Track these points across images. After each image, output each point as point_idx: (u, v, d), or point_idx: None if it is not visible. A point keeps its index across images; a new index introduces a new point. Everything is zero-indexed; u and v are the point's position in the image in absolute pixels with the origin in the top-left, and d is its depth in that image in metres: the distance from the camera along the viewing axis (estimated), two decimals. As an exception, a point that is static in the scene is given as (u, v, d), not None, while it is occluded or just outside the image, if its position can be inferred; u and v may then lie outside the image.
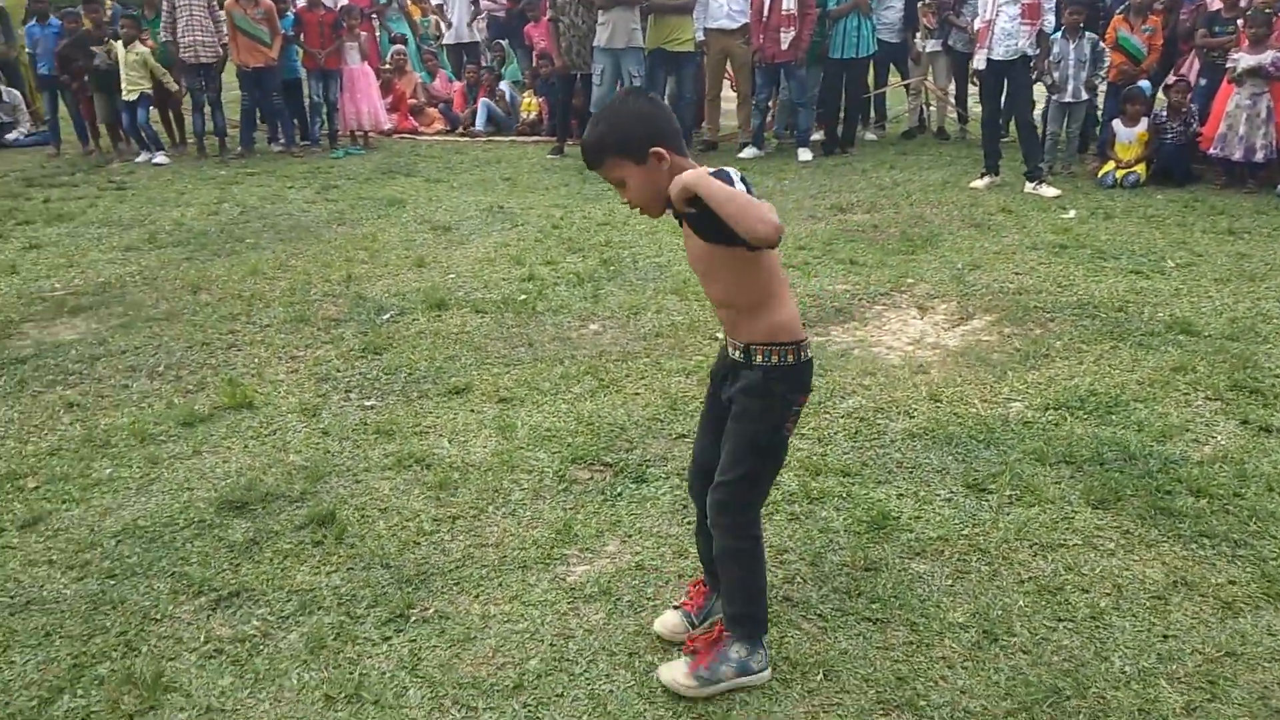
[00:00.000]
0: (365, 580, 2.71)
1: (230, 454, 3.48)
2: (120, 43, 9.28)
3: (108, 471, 3.36)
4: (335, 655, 2.42)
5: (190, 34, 9.23)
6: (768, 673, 2.29)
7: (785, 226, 2.08)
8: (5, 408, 3.90)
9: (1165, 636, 2.43)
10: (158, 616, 2.59)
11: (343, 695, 2.28)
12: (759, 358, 2.15)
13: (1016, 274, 5.35)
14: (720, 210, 1.92)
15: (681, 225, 2.17)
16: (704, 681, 2.23)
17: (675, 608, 2.50)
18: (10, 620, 2.57)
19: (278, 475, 3.29)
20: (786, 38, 8.58)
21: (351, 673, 2.35)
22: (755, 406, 2.18)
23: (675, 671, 2.26)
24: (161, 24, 9.44)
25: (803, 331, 2.20)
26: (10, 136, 10.95)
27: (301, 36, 9.68)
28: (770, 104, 9.60)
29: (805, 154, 9.03)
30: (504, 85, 11.39)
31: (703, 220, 2.02)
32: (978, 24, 7.63)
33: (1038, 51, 7.37)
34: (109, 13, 10.63)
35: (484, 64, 11.99)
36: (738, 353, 2.19)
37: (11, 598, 2.66)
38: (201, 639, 2.50)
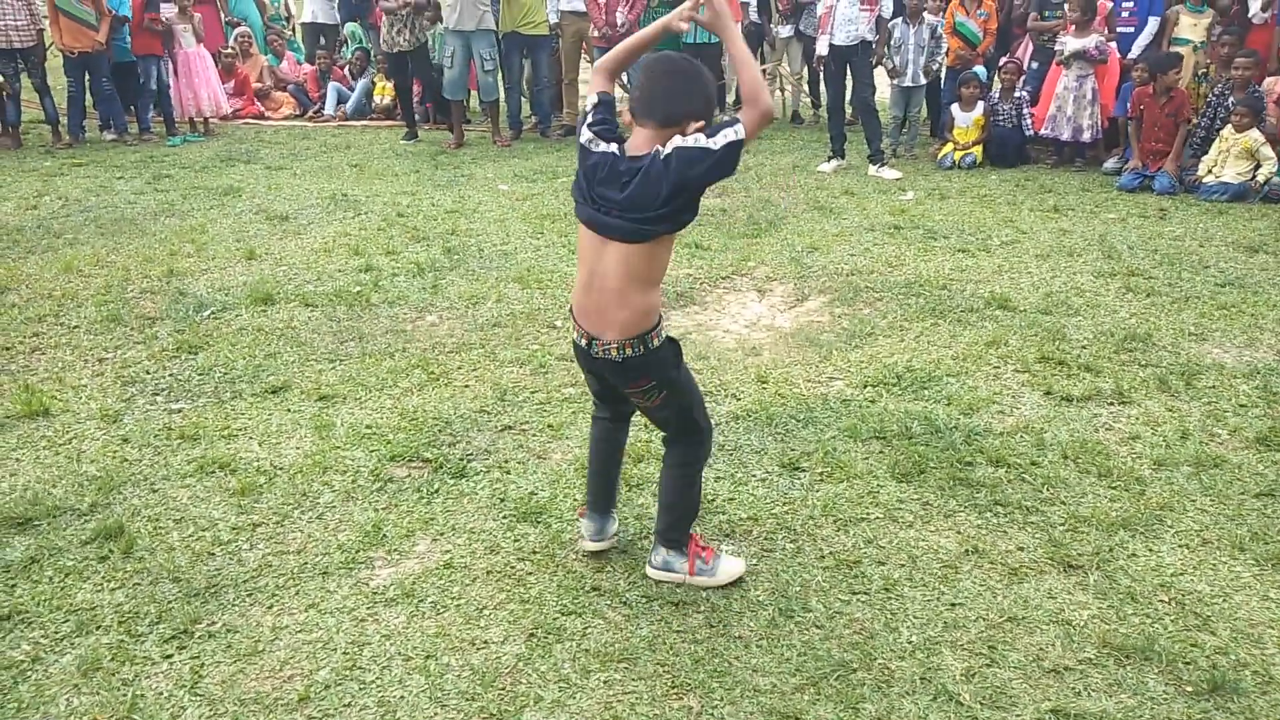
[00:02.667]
0: (151, 596, 2.56)
1: (19, 466, 3.25)
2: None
3: (-126, 492, 3.09)
4: (110, 677, 2.28)
5: (1, 17, 8.58)
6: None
7: None
8: None
9: (953, 605, 2.51)
10: (-87, 648, 2.39)
11: (114, 718, 2.15)
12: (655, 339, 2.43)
13: (851, 255, 5.48)
14: (745, 68, 2.22)
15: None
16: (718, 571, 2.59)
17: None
18: None
19: (67, 487, 3.09)
20: (621, 17, 8.53)
21: (125, 695, 2.22)
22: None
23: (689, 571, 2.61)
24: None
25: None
26: None
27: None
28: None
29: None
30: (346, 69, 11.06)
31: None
32: (820, 10, 7.78)
33: (877, 37, 7.56)
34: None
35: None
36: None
37: None
38: (-39, 669, 2.32)
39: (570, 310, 2.44)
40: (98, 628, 2.45)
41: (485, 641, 2.40)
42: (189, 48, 9.42)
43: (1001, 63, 8.34)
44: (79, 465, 3.23)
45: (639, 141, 2.27)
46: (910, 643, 2.37)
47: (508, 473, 3.19)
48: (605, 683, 2.26)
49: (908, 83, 8.19)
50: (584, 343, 2.39)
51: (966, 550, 2.73)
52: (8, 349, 4.27)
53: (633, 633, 2.42)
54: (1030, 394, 3.71)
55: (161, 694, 2.23)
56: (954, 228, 6.02)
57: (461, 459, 3.28)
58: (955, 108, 8.19)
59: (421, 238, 5.95)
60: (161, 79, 9.34)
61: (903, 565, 2.66)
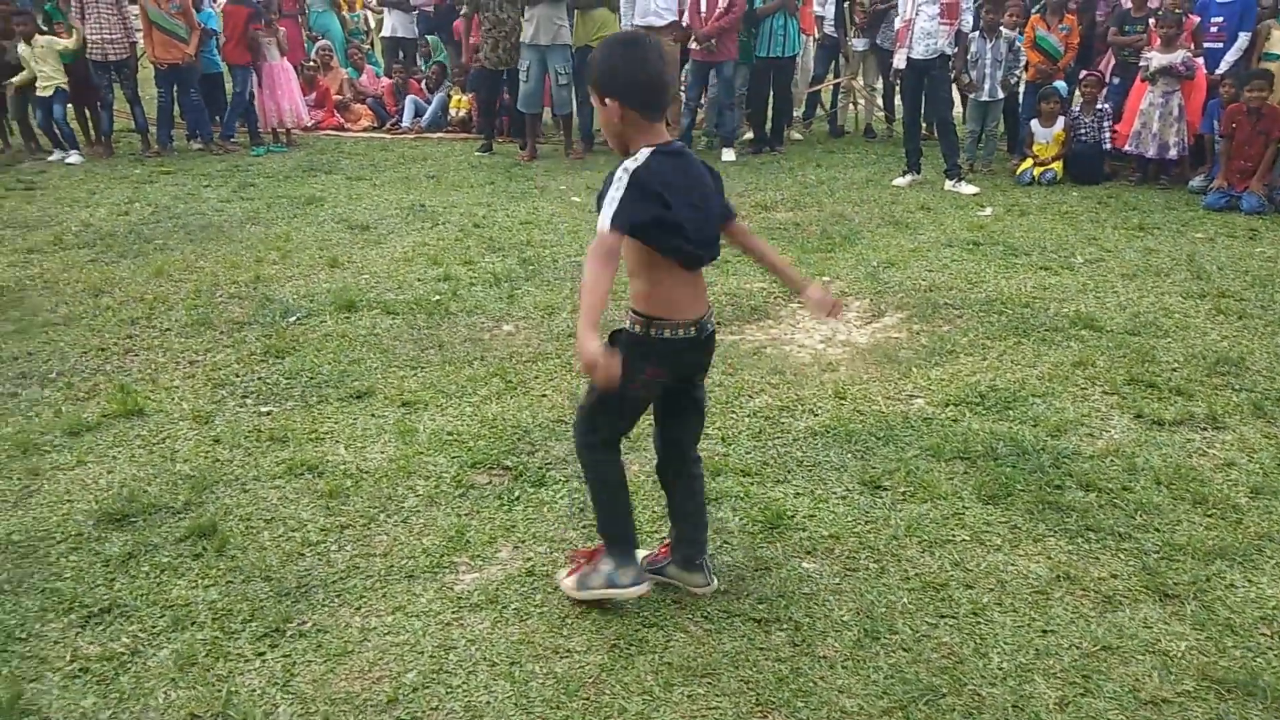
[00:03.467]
0: (244, 594, 2.63)
1: (115, 464, 3.36)
2: (23, 39, 8.97)
3: (-17, 485, 3.22)
4: (205, 672, 2.34)
5: (98, 31, 8.94)
6: (637, 589, 2.50)
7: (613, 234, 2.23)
8: (-121, 419, 3.73)
9: (1044, 631, 2.45)
10: (23, 635, 2.48)
11: (209, 714, 2.21)
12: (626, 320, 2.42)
13: (929, 271, 5.41)
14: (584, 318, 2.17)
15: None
16: (579, 585, 2.53)
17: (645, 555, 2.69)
18: None
19: (162, 485, 3.19)
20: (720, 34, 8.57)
21: (220, 690, 2.28)
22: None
23: (562, 576, 2.61)
24: (69, 21, 9.14)
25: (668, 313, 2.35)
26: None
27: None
28: (700, 103, 9.60)
29: (729, 154, 9.03)
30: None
31: None
32: (898, 24, 7.71)
33: (955, 50, 7.47)
34: (16, 4, 10.26)
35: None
36: None
37: None
38: (67, 657, 2.40)
39: (661, 318, 2.38)
40: (193, 623, 2.52)
41: (569, 650, 2.41)
42: (273, 60, 9.69)
43: (1083, 75, 8.18)
44: (173, 464, 3.33)
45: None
46: (1001, 669, 2.31)
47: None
48: (688, 696, 2.25)
49: (985, 97, 8.06)
50: (694, 331, 2.38)
51: (1058, 576, 2.67)
52: (103, 350, 4.42)
53: (715, 647, 2.41)
54: (1120, 417, 3.62)
55: (255, 691, 2.28)
56: (1035, 244, 5.90)
57: (540, 467, 3.31)
58: (1035, 123, 8.04)
59: (497, 248, 6.03)
60: (248, 90, 9.63)
61: (991, 590, 2.61)
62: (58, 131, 9.32)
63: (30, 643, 2.46)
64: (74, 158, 9.23)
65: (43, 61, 8.96)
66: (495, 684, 2.29)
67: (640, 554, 2.62)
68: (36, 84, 9.02)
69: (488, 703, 2.23)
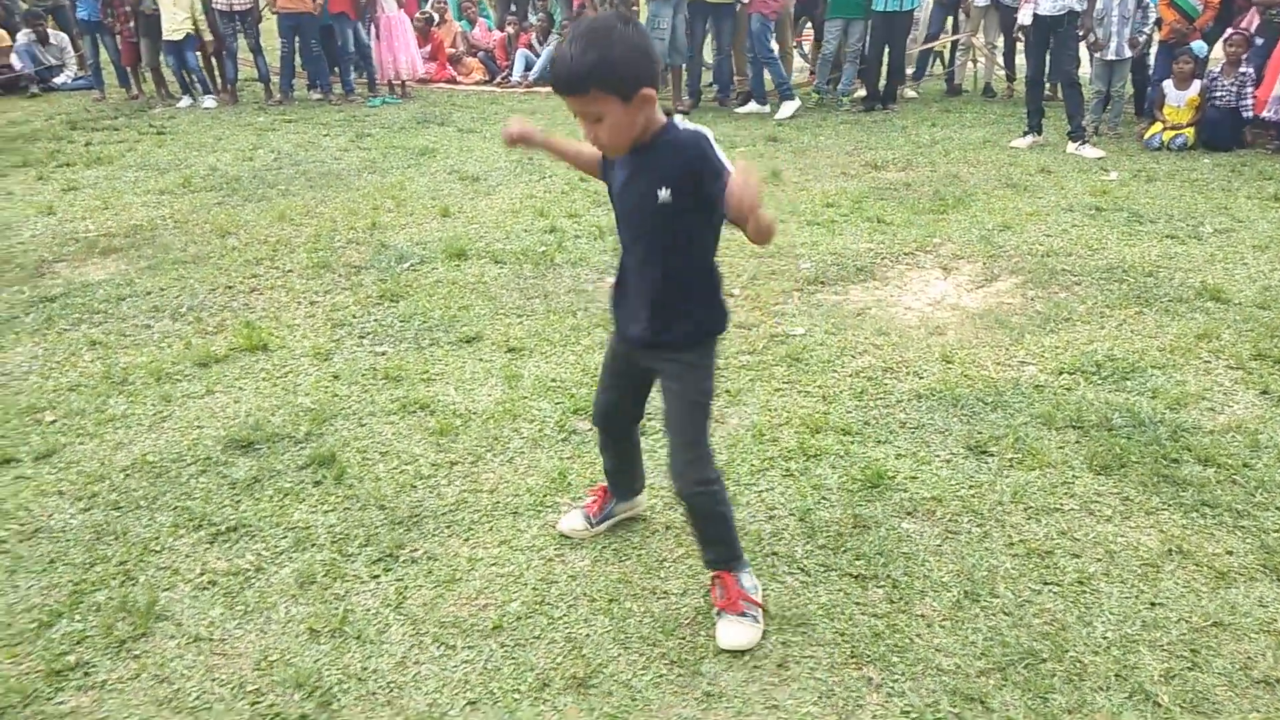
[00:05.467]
0: (360, 520, 2.76)
1: (241, 394, 3.55)
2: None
3: (122, 408, 3.45)
4: (323, 591, 2.48)
5: (224, -19, 9.26)
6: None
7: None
8: (31, 343, 4.01)
9: (1153, 604, 2.39)
10: (157, 548, 2.66)
11: (327, 629, 2.34)
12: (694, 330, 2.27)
13: (1047, 236, 5.23)
14: (763, 234, 1.95)
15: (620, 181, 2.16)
16: (753, 624, 2.28)
17: (579, 509, 2.71)
18: (18, 546, 2.66)
19: (285, 416, 3.36)
20: None
21: (337, 608, 2.41)
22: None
23: (737, 636, 2.27)
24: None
25: None
26: (58, 80, 11.13)
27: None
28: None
29: (787, 109, 8.90)
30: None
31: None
32: (1025, -23, 7.39)
33: (1084, 8, 7.12)
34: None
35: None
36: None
37: (21, 525, 2.76)
38: (197, 571, 2.57)
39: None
40: (312, 545, 2.66)
41: (665, 592, 2.46)
42: (390, 12, 9.87)
43: (1228, 34, 7.69)
44: (295, 397, 3.50)
45: None
46: (1105, 638, 2.27)
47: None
48: (782, 644, 2.28)
49: (1111, 56, 7.68)
50: None
51: (1169, 550, 2.59)
52: (230, 288, 4.65)
53: (810, 599, 2.43)
54: (1244, 392, 3.46)
55: (369, 610, 2.40)
56: (1161, 212, 5.64)
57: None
58: (1168, 84, 7.63)
59: (601, 202, 6.07)
60: (362, 42, 9.84)
61: (1099, 560, 2.55)
62: (190, 76, 9.71)
63: (164, 555, 2.64)
64: (209, 101, 9.63)
65: (176, 6, 9.32)
66: (595, 618, 2.36)
67: (574, 519, 2.68)
68: (167, 29, 9.40)
69: (587, 635, 2.31)
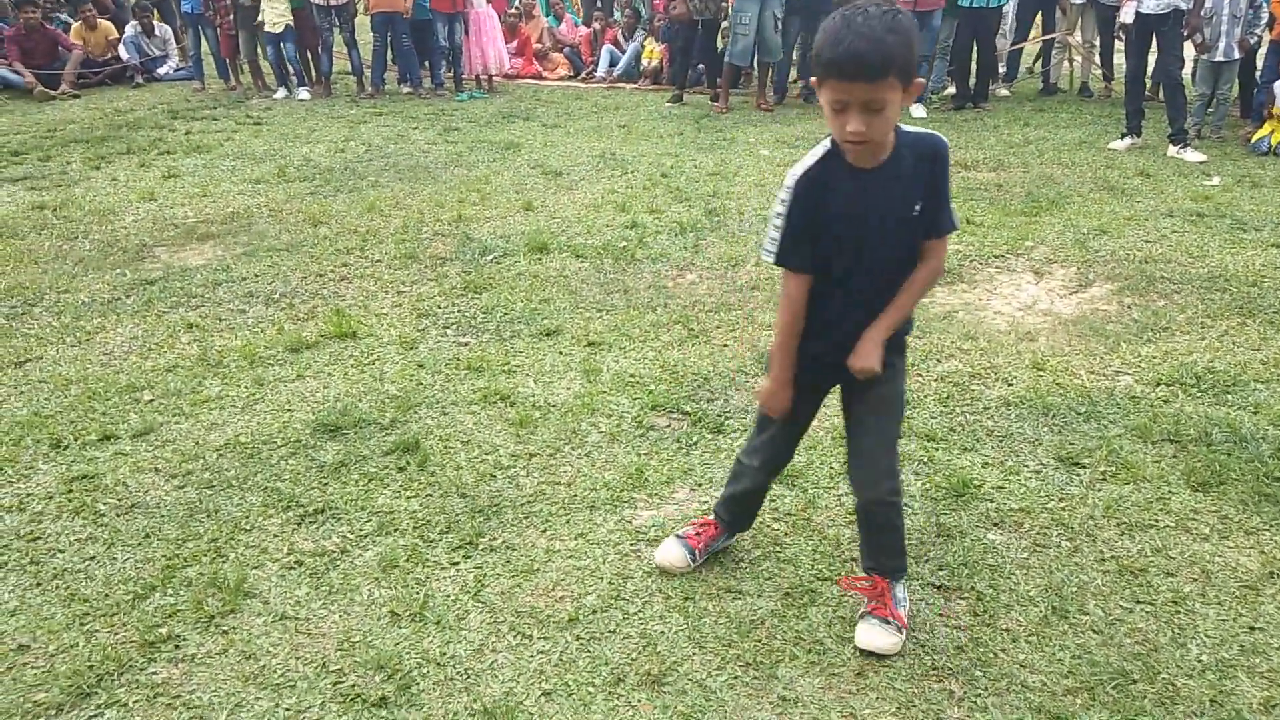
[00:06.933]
0: (441, 507, 2.80)
1: (330, 380, 3.63)
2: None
3: (217, 390, 3.56)
4: (405, 575, 2.52)
5: (322, -25, 9.49)
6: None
7: None
8: (131, 325, 4.17)
9: (1251, 628, 2.29)
10: (247, 527, 2.74)
11: (408, 613, 2.38)
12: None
13: (1146, 242, 5.04)
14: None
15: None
16: (900, 630, 2.24)
17: (679, 541, 2.54)
18: (116, 521, 2.77)
19: (372, 402, 3.43)
20: None
21: (418, 593, 2.45)
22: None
23: (879, 639, 2.22)
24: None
25: None
26: (161, 71, 11.55)
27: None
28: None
29: (919, 110, 8.67)
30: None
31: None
32: (1128, -26, 7.12)
33: (1190, 7, 6.84)
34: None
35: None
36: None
37: (119, 500, 2.87)
38: (285, 550, 2.64)
39: None
40: (395, 530, 2.71)
41: (741, 593, 2.44)
42: (479, 7, 10.01)
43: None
44: (381, 384, 3.57)
45: None
46: (1200, 661, 2.18)
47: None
48: (860, 653, 2.24)
49: (1219, 57, 7.36)
50: None
51: (1271, 572, 2.47)
52: (321, 275, 4.76)
53: (891, 607, 2.38)
54: (1358, 411, 3.29)
55: (449, 596, 2.44)
56: (1267, 219, 5.39)
57: (719, 415, 3.34)
58: (1278, 86, 7.28)
59: (684, 198, 6.06)
60: (455, 38, 10.00)
61: (1195, 580, 2.45)
62: (288, 68, 9.98)
63: (253, 534, 2.72)
64: (304, 93, 9.90)
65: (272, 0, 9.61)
66: (669, 615, 2.36)
67: (679, 549, 2.52)
68: (266, 21, 9.69)
69: (661, 632, 2.30)
